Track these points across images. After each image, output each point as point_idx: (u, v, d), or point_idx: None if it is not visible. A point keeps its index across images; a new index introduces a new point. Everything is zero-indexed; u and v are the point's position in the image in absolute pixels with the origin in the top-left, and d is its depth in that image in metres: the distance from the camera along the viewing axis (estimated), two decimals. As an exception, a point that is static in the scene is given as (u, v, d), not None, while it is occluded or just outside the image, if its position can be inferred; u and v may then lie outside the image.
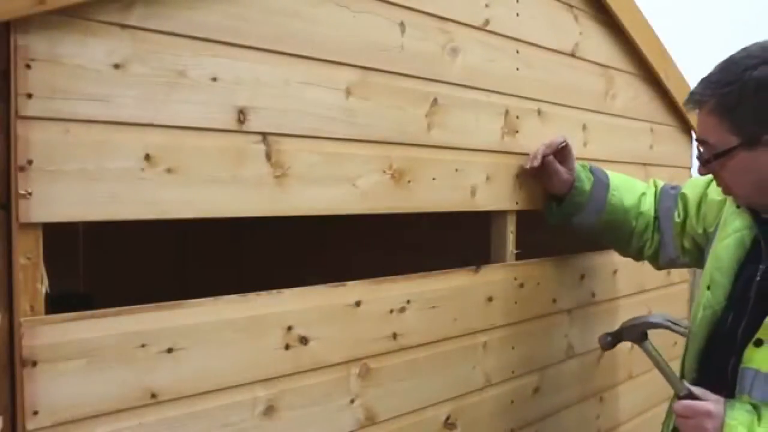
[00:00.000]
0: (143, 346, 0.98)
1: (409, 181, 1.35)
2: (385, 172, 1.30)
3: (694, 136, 2.29)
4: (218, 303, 1.07)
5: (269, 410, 1.13)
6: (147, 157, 0.98)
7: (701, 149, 1.31)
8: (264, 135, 1.11)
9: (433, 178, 1.40)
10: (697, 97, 1.28)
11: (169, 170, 1.00)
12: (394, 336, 1.33)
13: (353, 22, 1.24)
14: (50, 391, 0.90)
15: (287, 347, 1.15)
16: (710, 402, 1.26)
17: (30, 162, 0.88)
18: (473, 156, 1.50)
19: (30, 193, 0.88)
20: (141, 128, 0.97)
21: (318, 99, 1.19)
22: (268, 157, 1.12)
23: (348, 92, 1.24)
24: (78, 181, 0.92)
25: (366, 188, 1.27)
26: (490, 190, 1.53)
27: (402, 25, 1.33)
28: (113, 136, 0.95)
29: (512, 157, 1.60)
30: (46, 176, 0.89)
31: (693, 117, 2.22)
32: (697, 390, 1.30)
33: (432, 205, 1.41)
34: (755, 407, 1.23)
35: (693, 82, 2.15)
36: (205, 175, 1.04)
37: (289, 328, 1.15)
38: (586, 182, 1.60)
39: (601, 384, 1.96)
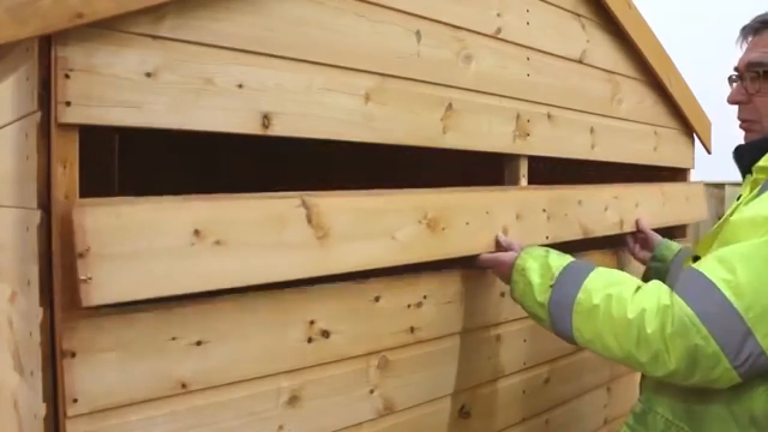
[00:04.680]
0: (174, 339, 0.98)
1: (425, 182, 1.34)
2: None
3: (696, 138, 2.27)
4: (243, 299, 1.06)
5: (293, 400, 1.13)
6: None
7: (746, 77, 1.21)
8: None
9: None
10: (758, 24, 1.22)
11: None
12: (412, 330, 1.32)
13: (371, 31, 1.23)
14: (88, 380, 0.91)
15: (310, 340, 1.15)
16: (509, 253, 1.37)
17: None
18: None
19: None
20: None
21: (338, 104, 1.18)
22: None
23: (367, 97, 1.23)
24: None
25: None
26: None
27: (418, 33, 1.32)
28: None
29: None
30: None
31: (696, 119, 2.20)
32: (503, 240, 1.44)
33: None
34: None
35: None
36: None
37: (312, 322, 1.15)
38: None
39: (608, 375, 1.94)
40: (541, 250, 1.31)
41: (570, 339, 1.21)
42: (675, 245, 1.80)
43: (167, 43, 0.97)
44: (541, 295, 1.23)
